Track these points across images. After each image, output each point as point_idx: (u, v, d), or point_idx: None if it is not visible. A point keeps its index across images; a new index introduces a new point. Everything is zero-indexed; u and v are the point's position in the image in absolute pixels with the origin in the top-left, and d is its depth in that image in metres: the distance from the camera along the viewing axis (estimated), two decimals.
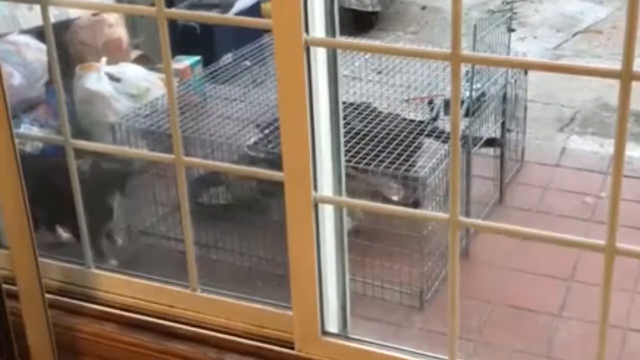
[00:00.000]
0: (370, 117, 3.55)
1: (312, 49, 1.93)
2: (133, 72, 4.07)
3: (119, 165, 3.29)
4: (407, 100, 3.90)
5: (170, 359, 2.34)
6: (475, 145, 3.43)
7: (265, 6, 4.87)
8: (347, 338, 2.21)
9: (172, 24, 2.67)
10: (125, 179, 3.31)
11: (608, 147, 4.16)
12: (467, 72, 3.42)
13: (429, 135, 3.46)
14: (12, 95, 3.65)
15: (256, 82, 3.96)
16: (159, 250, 3.41)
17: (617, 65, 1.64)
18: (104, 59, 4.04)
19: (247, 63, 4.01)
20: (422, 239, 3.11)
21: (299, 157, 2.00)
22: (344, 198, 2.19)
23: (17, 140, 2.20)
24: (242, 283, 3.15)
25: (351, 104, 3.63)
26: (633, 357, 2.85)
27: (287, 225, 2.08)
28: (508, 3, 6.57)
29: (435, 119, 3.70)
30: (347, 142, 3.15)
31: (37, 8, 2.32)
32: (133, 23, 4.60)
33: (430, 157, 3.24)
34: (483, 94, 3.54)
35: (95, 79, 3.93)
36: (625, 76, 1.63)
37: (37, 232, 2.38)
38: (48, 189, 2.79)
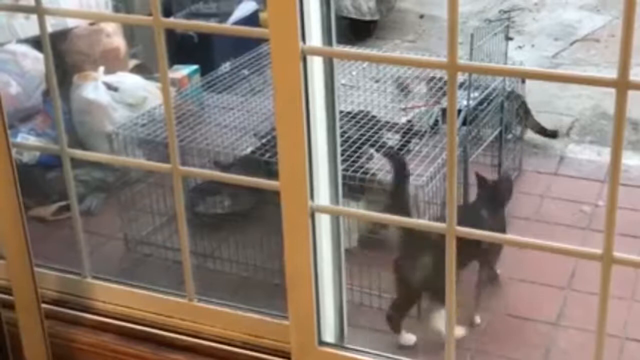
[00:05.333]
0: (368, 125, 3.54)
1: (308, 57, 1.93)
2: (131, 82, 4.07)
3: None
4: (404, 109, 3.90)
5: None
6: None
7: (264, 15, 4.87)
8: (344, 348, 2.21)
9: (170, 32, 2.66)
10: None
11: (606, 155, 4.15)
12: (465, 80, 3.42)
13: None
14: (9, 105, 3.67)
15: (254, 91, 3.96)
16: (156, 259, 3.40)
17: (614, 74, 1.64)
18: (101, 68, 4.03)
19: (245, 72, 4.00)
20: None
21: (295, 167, 2.00)
22: (341, 207, 2.19)
23: (13, 150, 2.20)
24: (239, 292, 3.15)
25: (349, 113, 3.63)
26: None
27: (284, 234, 2.08)
28: (506, 12, 6.60)
29: (433, 127, 3.70)
30: (344, 150, 3.15)
31: (34, 17, 2.31)
32: (131, 32, 4.60)
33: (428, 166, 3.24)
34: (480, 103, 3.54)
35: (93, 88, 3.93)
36: (621, 85, 1.63)
37: None
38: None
